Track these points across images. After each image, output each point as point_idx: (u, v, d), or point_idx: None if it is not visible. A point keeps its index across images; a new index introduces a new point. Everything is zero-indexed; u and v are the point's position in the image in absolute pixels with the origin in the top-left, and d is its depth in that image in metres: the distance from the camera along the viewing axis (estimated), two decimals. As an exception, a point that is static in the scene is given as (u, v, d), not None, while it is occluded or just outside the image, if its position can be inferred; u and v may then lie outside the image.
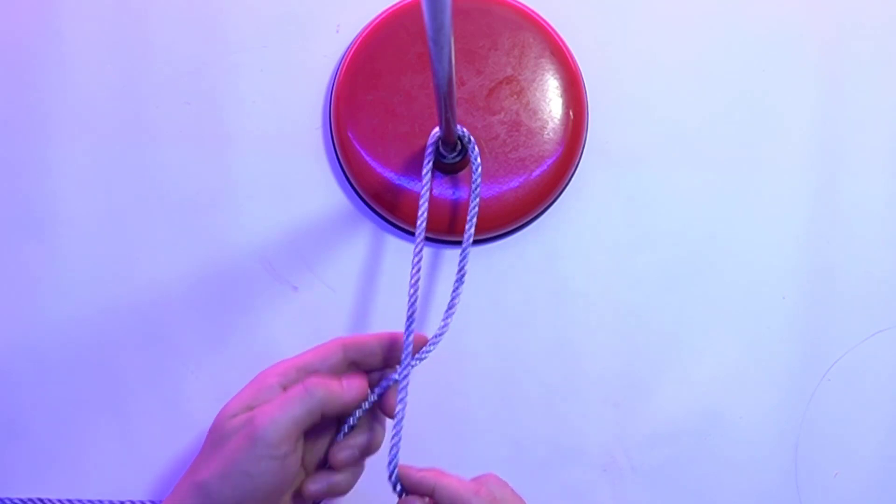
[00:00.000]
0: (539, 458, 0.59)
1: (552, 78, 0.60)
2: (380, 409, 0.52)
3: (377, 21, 0.61)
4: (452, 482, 0.50)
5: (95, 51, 0.62)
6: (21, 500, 0.59)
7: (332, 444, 0.52)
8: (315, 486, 0.51)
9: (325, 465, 0.52)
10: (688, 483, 0.59)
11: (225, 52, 0.62)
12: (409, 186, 0.59)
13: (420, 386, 0.55)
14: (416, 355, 0.52)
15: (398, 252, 0.60)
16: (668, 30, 0.62)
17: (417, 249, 0.53)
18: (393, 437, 0.50)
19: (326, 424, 0.51)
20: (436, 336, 0.53)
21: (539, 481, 0.59)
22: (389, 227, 0.61)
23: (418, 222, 0.53)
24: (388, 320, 0.60)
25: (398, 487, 0.50)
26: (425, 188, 0.54)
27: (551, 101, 0.60)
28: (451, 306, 0.54)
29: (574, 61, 0.61)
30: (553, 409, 0.60)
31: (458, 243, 0.57)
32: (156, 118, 0.61)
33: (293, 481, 0.50)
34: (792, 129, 0.61)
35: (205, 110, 0.61)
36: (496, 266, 0.60)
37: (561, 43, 0.60)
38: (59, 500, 0.59)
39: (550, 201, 0.60)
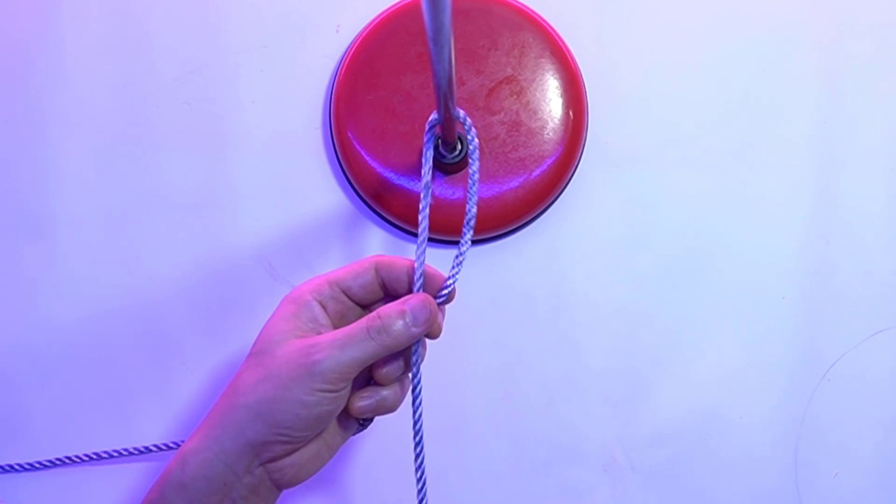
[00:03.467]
0: (539, 458, 0.59)
1: (552, 78, 0.60)
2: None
3: (377, 21, 0.61)
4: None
5: (95, 51, 0.62)
6: (39, 462, 0.59)
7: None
8: (364, 402, 0.50)
9: (369, 381, 0.51)
10: (688, 483, 0.59)
11: (225, 52, 0.62)
12: (409, 186, 0.59)
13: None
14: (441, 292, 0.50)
15: (398, 252, 0.60)
16: (668, 30, 0.62)
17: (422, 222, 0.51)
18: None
19: None
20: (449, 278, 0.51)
21: (539, 481, 0.59)
22: (389, 227, 0.61)
23: (421, 207, 0.51)
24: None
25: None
26: (426, 168, 0.51)
27: (551, 101, 0.60)
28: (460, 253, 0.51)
29: (574, 61, 0.61)
30: (553, 408, 0.60)
31: (458, 244, 0.55)
32: (156, 118, 0.61)
33: (343, 406, 0.49)
34: (792, 129, 0.61)
35: (205, 110, 0.61)
36: (496, 266, 0.60)
37: (561, 43, 0.60)
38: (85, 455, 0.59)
39: (550, 201, 0.60)
